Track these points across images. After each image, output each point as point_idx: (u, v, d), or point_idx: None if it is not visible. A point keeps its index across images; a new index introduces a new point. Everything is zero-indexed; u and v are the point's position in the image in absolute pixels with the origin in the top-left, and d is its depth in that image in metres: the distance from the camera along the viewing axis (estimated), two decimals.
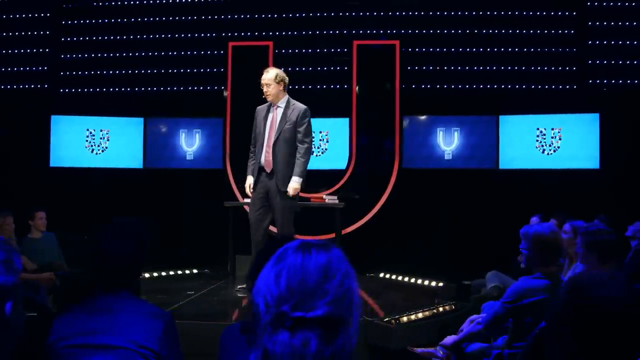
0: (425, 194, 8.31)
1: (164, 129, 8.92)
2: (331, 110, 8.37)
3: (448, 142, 8.46)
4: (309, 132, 5.62)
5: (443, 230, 8.52)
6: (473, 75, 8.56)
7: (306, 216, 7.59)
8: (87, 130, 8.82)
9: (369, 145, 8.33)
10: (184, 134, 8.86)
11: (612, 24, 8.26)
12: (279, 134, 5.55)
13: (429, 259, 8.06)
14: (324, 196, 7.25)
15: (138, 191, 8.75)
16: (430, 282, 6.51)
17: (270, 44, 8.31)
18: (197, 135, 8.85)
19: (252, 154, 5.74)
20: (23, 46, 9.06)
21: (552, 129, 8.21)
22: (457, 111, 8.47)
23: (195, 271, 7.34)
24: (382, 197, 8.06)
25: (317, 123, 8.41)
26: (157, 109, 8.95)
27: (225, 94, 8.35)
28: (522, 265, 4.66)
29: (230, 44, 8.39)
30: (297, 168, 5.49)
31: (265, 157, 5.57)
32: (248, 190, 5.65)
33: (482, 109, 8.44)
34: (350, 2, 8.74)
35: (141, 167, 8.84)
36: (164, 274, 7.04)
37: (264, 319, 1.31)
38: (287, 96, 5.67)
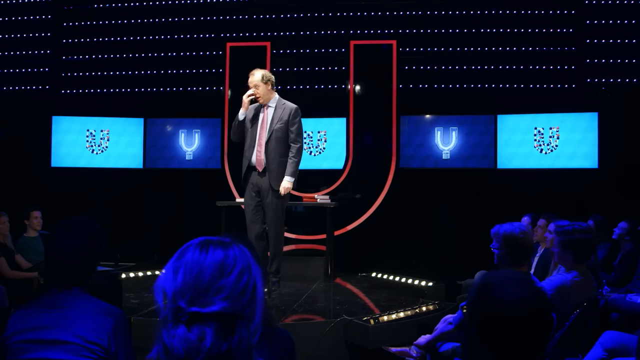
0: (423, 194, 8.30)
1: (164, 129, 8.99)
2: (329, 110, 8.39)
3: (446, 142, 8.43)
4: (300, 132, 5.65)
5: (440, 230, 8.50)
6: (471, 75, 8.54)
7: (302, 216, 7.61)
8: (88, 130, 8.91)
9: (367, 145, 8.32)
10: (183, 134, 8.92)
11: (611, 23, 8.18)
12: (271, 134, 5.56)
13: (427, 259, 8.05)
14: (316, 196, 7.25)
15: (138, 191, 8.85)
16: (420, 282, 6.48)
17: (268, 44, 8.35)
18: (196, 135, 8.91)
19: None
20: (25, 48, 9.19)
21: (550, 128, 8.15)
22: (455, 111, 8.45)
23: None
24: (380, 197, 8.05)
25: (314, 123, 8.45)
26: (157, 109, 9.03)
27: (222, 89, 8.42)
28: None
29: (229, 44, 8.44)
30: (290, 168, 5.51)
31: (257, 156, 5.58)
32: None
33: (480, 109, 8.41)
34: (353, 1, 8.74)
35: (141, 167, 8.92)
36: (157, 272, 7.08)
37: (163, 313, 1.34)
38: (276, 95, 5.69)
